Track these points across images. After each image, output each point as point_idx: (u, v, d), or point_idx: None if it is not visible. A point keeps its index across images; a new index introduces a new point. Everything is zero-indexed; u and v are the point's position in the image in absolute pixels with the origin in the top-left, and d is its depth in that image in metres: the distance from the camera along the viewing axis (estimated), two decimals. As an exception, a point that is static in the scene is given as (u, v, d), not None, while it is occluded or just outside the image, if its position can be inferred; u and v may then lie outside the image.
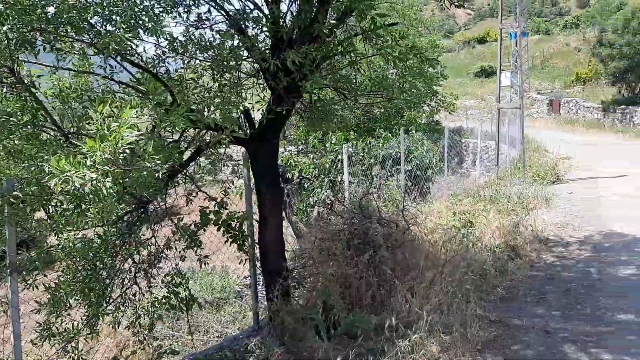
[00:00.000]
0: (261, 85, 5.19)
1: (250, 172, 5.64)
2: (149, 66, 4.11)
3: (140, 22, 3.45)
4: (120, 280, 4.73)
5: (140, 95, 3.96)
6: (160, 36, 3.65)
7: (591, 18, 77.12)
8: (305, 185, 12.82)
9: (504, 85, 47.31)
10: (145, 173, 2.77)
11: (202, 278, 8.57)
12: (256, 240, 5.71)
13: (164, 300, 5.05)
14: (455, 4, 5.10)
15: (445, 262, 5.75)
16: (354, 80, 5.21)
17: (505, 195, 11.74)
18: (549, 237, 8.64)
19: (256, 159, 5.34)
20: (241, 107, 5.25)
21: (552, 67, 54.64)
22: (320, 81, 4.27)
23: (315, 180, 12.62)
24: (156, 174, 2.87)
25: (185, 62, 4.09)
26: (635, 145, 24.09)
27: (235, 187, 7.40)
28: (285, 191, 12.89)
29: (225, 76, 4.30)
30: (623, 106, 31.52)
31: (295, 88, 4.41)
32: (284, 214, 13.35)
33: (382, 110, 30.19)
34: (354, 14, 4.39)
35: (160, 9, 3.82)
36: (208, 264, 5.46)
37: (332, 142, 13.17)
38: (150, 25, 3.45)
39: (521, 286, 6.38)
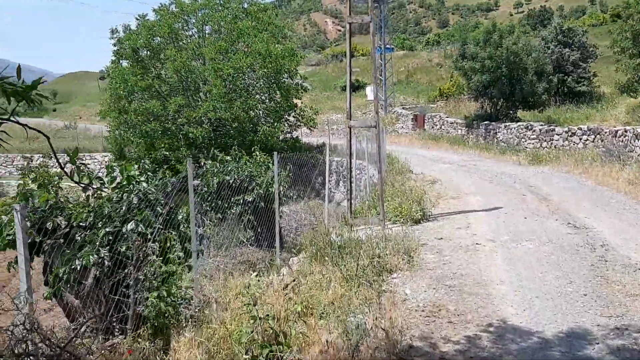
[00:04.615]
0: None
1: None
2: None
3: None
4: None
5: None
6: None
7: (451, 37, 79.75)
8: (78, 238, 8.43)
9: (369, 99, 45.73)
10: None
11: None
12: None
13: None
14: None
15: None
16: None
17: (357, 245, 8.44)
18: (414, 343, 5.27)
19: None
20: None
21: (416, 83, 54.45)
22: None
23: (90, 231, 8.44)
24: None
25: None
26: (500, 164, 22.43)
27: None
28: (46, 247, 8.59)
29: None
30: (486, 122, 30.44)
31: None
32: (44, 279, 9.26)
33: (235, 125, 26.52)
34: None
35: None
36: None
37: (113, 175, 9.02)
38: None
39: None
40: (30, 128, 2.51)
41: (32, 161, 37.74)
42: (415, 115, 39.59)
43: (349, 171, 11.51)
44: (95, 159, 40.27)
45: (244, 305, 4.74)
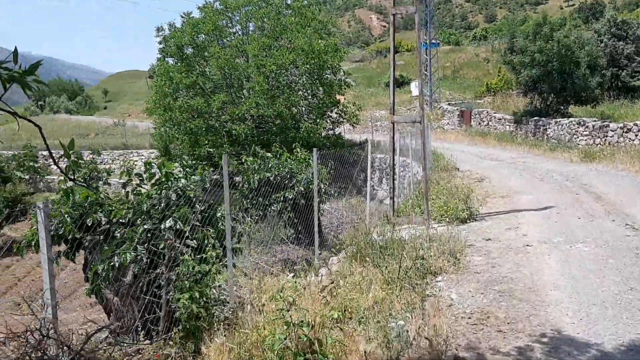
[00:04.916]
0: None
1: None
2: None
3: None
4: None
5: None
6: None
7: (499, 31, 77.75)
8: (117, 234, 8.39)
9: (414, 95, 45.01)
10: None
11: None
12: None
13: None
14: None
15: None
16: None
17: (399, 245, 8.11)
18: (460, 354, 4.90)
19: None
20: None
21: (462, 78, 53.30)
22: None
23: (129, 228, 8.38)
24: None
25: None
26: (551, 161, 21.57)
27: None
28: (86, 243, 8.65)
29: None
30: (536, 118, 29.41)
31: None
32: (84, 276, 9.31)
33: (277, 122, 26.39)
34: None
35: None
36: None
37: (151, 171, 8.93)
38: None
39: None
40: (19, 117, 2.31)
41: (81, 158, 38.73)
42: (461, 111, 38.70)
43: (391, 168, 11.15)
44: (142, 155, 41.09)
45: (277, 310, 4.47)
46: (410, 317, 5.45)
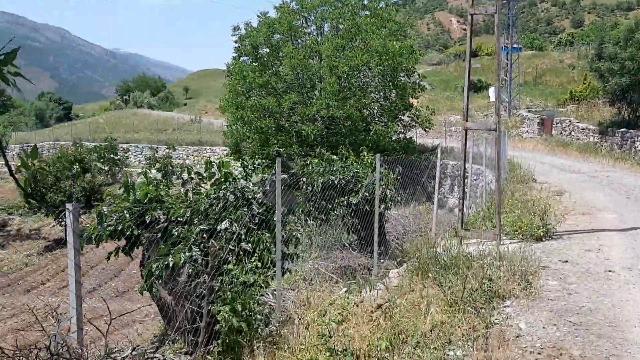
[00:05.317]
0: None
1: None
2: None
3: None
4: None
5: None
6: None
7: (586, 37, 73.78)
8: (174, 233, 8.29)
9: (492, 101, 43.49)
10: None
11: None
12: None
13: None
14: None
15: None
16: None
17: (465, 263, 7.53)
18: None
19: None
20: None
21: (544, 85, 50.88)
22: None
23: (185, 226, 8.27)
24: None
25: None
26: (638, 177, 20.00)
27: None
28: (144, 240, 8.60)
29: None
30: (623, 129, 27.49)
31: None
32: (140, 274, 9.32)
33: (347, 124, 25.99)
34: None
35: None
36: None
37: (211, 171, 8.77)
38: None
39: None
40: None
41: (157, 152, 39.99)
42: (542, 119, 36.88)
43: (462, 177, 10.50)
44: (215, 152, 41.99)
45: (319, 336, 4.07)
46: (471, 347, 4.92)
